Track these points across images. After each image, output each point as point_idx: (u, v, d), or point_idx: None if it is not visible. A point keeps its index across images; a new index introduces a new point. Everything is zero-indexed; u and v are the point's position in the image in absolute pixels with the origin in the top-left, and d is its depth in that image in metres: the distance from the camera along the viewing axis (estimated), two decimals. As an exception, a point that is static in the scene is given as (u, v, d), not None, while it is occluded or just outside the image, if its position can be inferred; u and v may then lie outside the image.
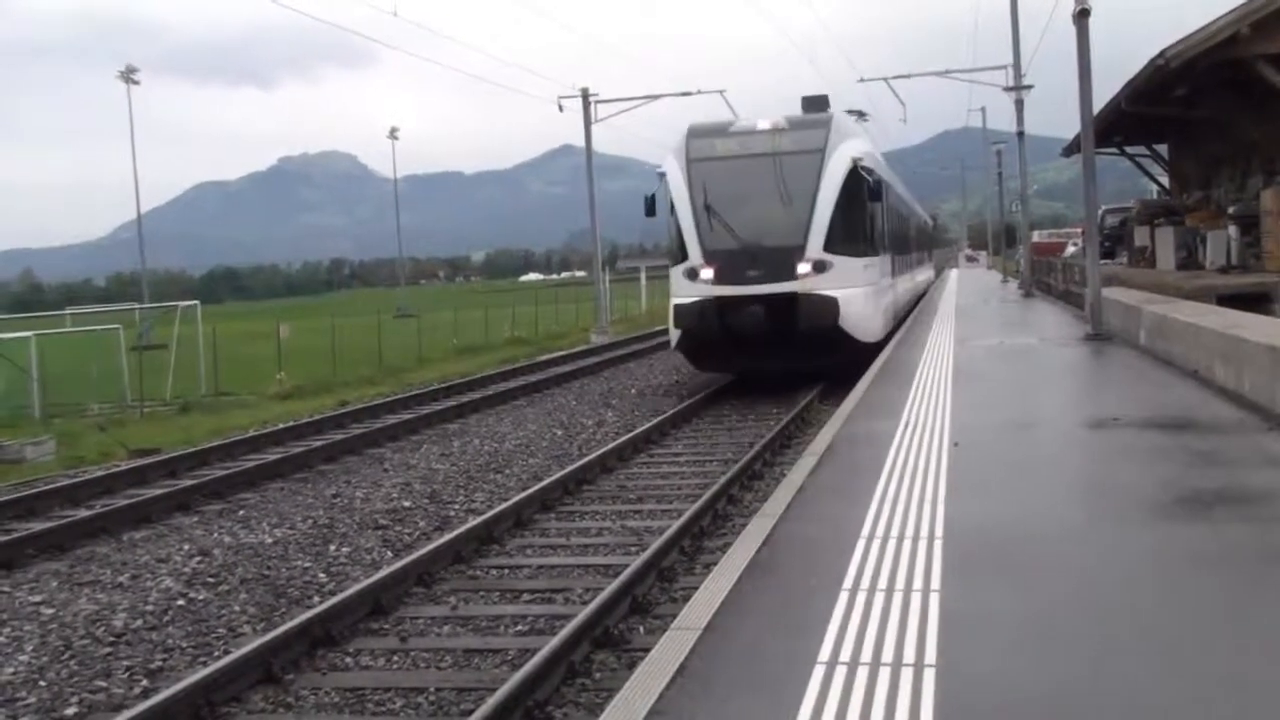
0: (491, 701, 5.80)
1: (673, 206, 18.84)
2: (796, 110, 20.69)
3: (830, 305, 17.53)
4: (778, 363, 18.32)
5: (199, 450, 16.07)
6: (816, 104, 20.54)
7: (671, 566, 8.73)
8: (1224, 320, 12.55)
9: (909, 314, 27.35)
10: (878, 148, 25.82)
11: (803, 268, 17.70)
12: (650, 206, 19.95)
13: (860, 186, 18.52)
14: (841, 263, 17.96)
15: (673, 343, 19.18)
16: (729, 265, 17.99)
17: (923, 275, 41.03)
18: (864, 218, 19.36)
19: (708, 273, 18.12)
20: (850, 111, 23.74)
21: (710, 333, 18.17)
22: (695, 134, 19.27)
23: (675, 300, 18.71)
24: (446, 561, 9.20)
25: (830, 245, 17.84)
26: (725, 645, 4.76)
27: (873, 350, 17.78)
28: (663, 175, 19.15)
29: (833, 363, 17.86)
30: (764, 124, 18.84)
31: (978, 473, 8.01)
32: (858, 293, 18.18)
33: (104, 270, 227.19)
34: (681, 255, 18.63)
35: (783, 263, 17.73)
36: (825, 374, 18.19)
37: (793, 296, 17.62)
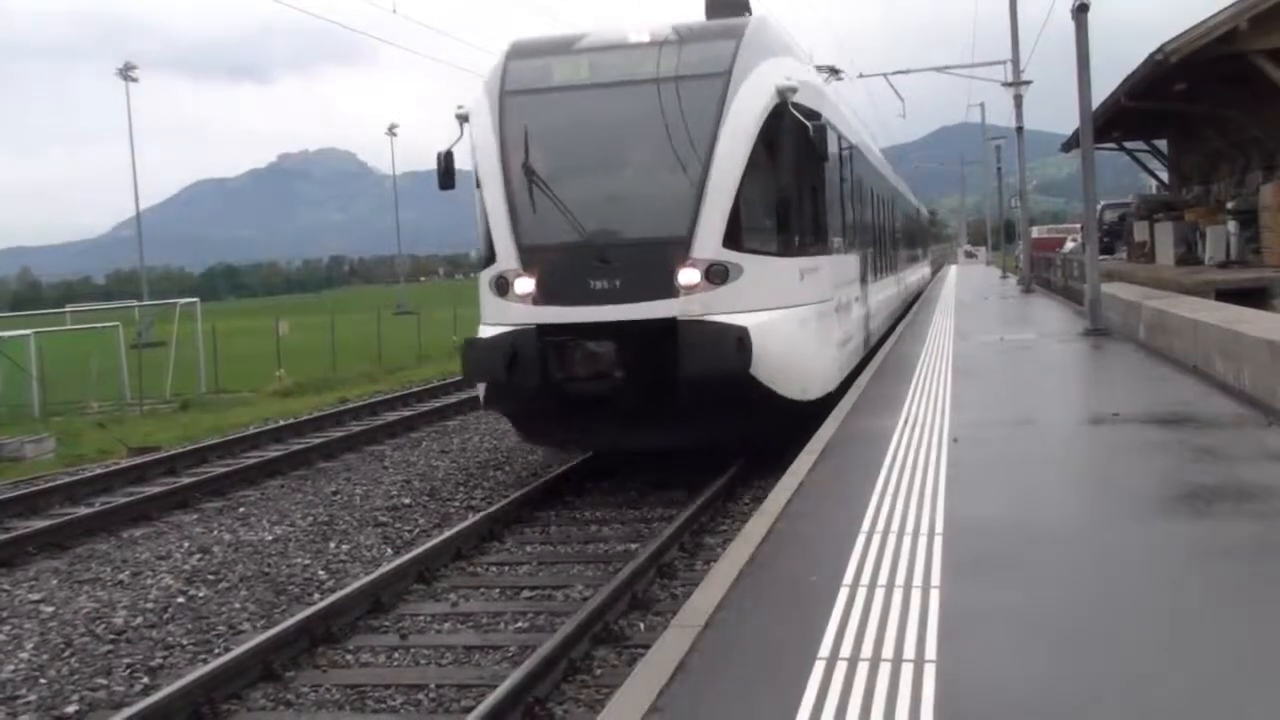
0: (492, 698, 5.80)
1: (478, 174, 11.58)
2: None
3: (733, 341, 10.27)
4: (647, 437, 11.09)
5: (198, 448, 16.06)
6: (729, 6, 12.73)
7: (672, 563, 8.74)
8: (1223, 315, 12.55)
9: (895, 327, 21.79)
10: (838, 96, 17.77)
11: (687, 276, 10.59)
12: (445, 173, 12.03)
13: (793, 136, 11.11)
14: (759, 267, 10.83)
15: (482, 398, 12.08)
16: (562, 273, 10.89)
17: (915, 276, 34.64)
18: (800, 189, 11.72)
19: (525, 284, 10.97)
20: (821, 68, 16.96)
21: (529, 388, 10.83)
22: (519, 53, 11.90)
23: (481, 330, 11.52)
24: (447, 558, 9.20)
25: (738, 237, 10.75)
26: (726, 642, 4.76)
27: (817, 409, 11.16)
28: (464, 119, 11.79)
29: (744, 436, 11.21)
30: (635, 35, 11.61)
31: (977, 469, 8.00)
32: (786, 318, 10.97)
33: (103, 268, 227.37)
34: (489, 255, 11.38)
35: (653, 268, 10.65)
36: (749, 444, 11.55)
37: (669, 326, 10.45)
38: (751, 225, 11.02)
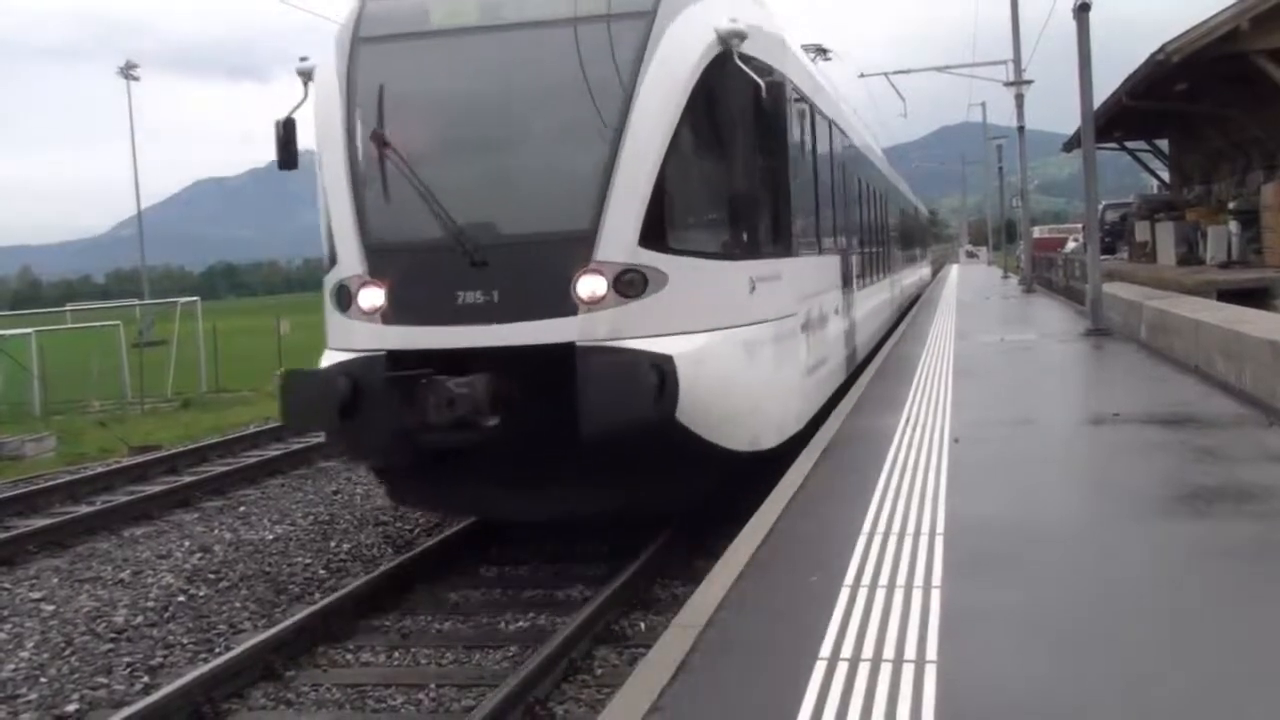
0: (493, 698, 5.81)
1: (318, 148, 8.82)
2: None
3: (651, 375, 7.45)
4: (538, 505, 8.45)
5: (199, 447, 16.07)
6: None
7: (672, 562, 8.73)
8: (1225, 315, 12.55)
9: (894, 330, 20.45)
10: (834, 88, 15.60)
11: (589, 285, 7.83)
12: (284, 148, 9.16)
13: (740, 98, 8.40)
14: (690, 273, 8.10)
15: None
16: (422, 281, 8.17)
17: (912, 278, 31.47)
18: (752, 169, 8.77)
19: (372, 296, 8.22)
20: (807, 47, 14.80)
21: (375, 440, 8.23)
22: None
23: (324, 357, 8.65)
24: (448, 557, 9.20)
25: (661, 233, 7.99)
26: (727, 641, 4.76)
27: (770, 463, 8.56)
28: (307, 77, 8.95)
29: (673, 501, 8.54)
30: None
31: (978, 469, 8.00)
32: (729, 342, 8.22)
33: (103, 267, 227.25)
34: (332, 257, 8.58)
35: (544, 274, 7.90)
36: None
37: (565, 354, 7.65)
38: (681, 217, 8.30)
